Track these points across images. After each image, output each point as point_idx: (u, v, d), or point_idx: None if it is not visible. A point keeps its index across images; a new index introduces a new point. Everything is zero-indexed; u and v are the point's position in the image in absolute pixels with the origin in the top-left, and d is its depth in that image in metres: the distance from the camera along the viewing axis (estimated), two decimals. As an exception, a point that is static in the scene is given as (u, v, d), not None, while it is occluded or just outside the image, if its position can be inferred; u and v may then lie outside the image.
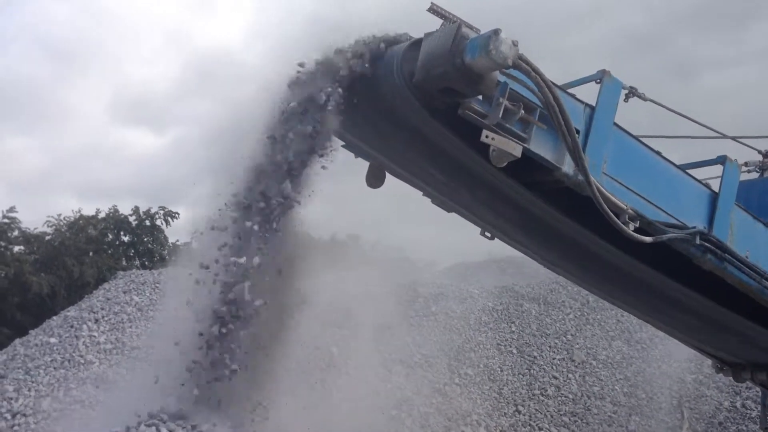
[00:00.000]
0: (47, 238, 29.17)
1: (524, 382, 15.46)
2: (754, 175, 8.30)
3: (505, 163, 4.50)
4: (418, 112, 4.51)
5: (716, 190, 5.66)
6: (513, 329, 17.44)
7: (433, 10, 4.54)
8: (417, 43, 4.43)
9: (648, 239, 4.99)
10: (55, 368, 13.80)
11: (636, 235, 4.89)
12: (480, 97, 4.40)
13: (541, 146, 4.65)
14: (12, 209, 27.57)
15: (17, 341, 15.50)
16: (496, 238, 6.31)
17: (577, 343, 17.15)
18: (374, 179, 5.60)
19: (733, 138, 6.42)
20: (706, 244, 5.35)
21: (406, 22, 4.86)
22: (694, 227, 5.32)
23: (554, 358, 16.42)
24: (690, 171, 5.85)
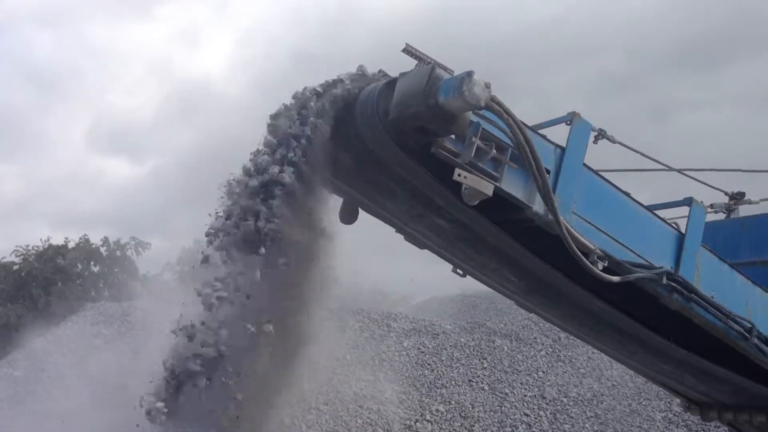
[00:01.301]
0: (15, 267, 28.68)
1: (495, 419, 15.42)
2: (721, 216, 8.49)
3: (477, 202, 4.56)
4: (392, 149, 4.57)
5: (683, 231, 5.78)
6: (485, 365, 17.44)
7: (408, 51, 4.63)
8: (392, 83, 4.51)
9: (615, 279, 5.06)
10: (18, 402, 13.49)
11: (603, 274, 4.96)
12: (453, 136, 4.48)
13: (513, 185, 4.72)
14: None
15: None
16: (467, 275, 6.35)
17: (549, 380, 17.19)
18: (347, 216, 5.62)
19: (694, 178, 6.59)
20: (673, 284, 5.43)
21: (382, 60, 4.94)
22: (661, 267, 5.41)
23: (525, 395, 16.42)
24: (657, 211, 5.99)
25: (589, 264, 4.88)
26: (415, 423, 14.55)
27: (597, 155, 5.88)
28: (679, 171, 6.51)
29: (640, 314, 5.96)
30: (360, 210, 5.73)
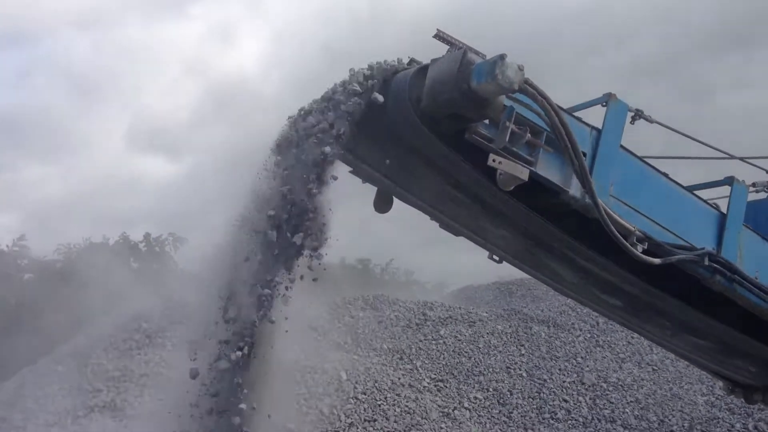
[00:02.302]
0: (57, 265, 29.27)
1: (534, 406, 15.34)
2: (763, 195, 8.30)
3: (512, 187, 4.53)
4: (426, 137, 4.55)
5: (724, 211, 5.67)
6: (522, 352, 17.34)
7: (440, 36, 4.60)
8: (423, 69, 4.49)
9: (656, 261, 4.99)
10: (62, 396, 13.78)
11: (644, 256, 4.89)
12: (487, 121, 4.44)
13: (548, 169, 4.68)
14: (22, 237, 27.76)
15: (25, 369, 15.50)
16: (504, 262, 6.31)
17: (587, 366, 17.03)
18: (382, 204, 5.63)
19: (741, 158, 6.44)
20: (715, 265, 5.34)
21: (413, 51, 4.91)
22: (703, 248, 5.32)
23: (564, 381, 16.30)
24: (697, 192, 5.88)
25: (629, 246, 4.82)
26: (453, 411, 14.53)
27: (635, 137, 5.80)
28: (722, 153, 6.34)
29: (683, 297, 5.88)
30: (394, 199, 5.73)
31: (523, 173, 4.45)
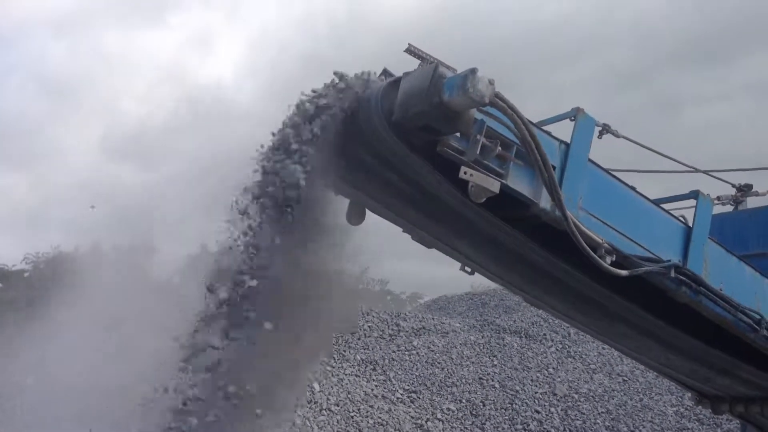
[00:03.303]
0: (25, 275, 28.81)
1: (506, 417, 15.41)
2: (729, 208, 8.48)
3: (483, 199, 4.57)
4: (397, 149, 4.59)
5: (690, 224, 5.78)
6: (495, 363, 17.44)
7: (411, 51, 4.65)
8: (396, 82, 4.53)
9: (624, 272, 5.06)
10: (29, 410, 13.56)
11: (612, 268, 4.97)
12: (458, 134, 4.49)
13: (519, 182, 4.73)
14: (-10, 247, 27.25)
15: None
16: (476, 273, 6.36)
17: (559, 377, 17.17)
18: (355, 217, 5.63)
19: (705, 171, 6.59)
20: (681, 277, 5.43)
21: (393, 62, 4.93)
22: (669, 261, 5.41)
23: (536, 392, 16.42)
24: (664, 205, 5.99)
25: (597, 258, 4.88)
26: (426, 422, 14.56)
27: (605, 150, 5.90)
28: (686, 167, 6.49)
29: (650, 309, 5.97)
30: (367, 211, 5.75)
31: (494, 186, 4.50)
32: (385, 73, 4.83)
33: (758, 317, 5.93)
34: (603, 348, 18.23)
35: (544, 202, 4.80)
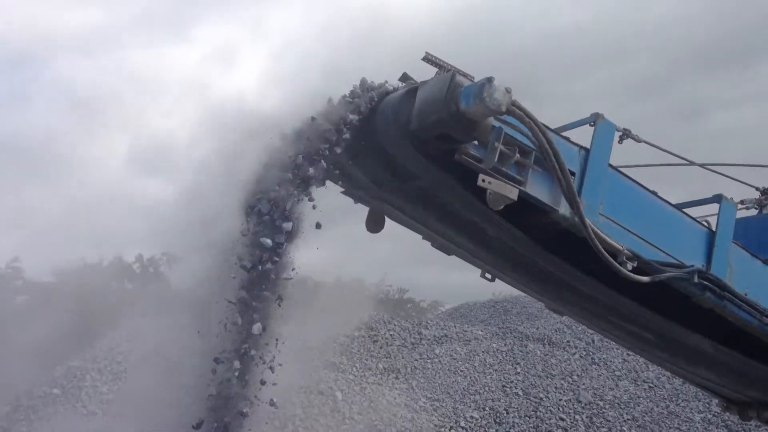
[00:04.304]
0: (51, 287, 29.16)
1: (531, 425, 15.29)
2: (753, 212, 8.36)
3: (501, 206, 4.56)
4: (415, 158, 4.60)
5: (714, 228, 5.72)
6: (518, 371, 17.32)
7: (428, 59, 4.66)
8: (413, 91, 4.54)
9: (645, 279, 5.02)
10: (58, 420, 13.69)
11: (633, 275, 4.93)
12: (476, 142, 4.49)
13: (538, 189, 4.72)
14: (15, 259, 27.65)
15: (20, 392, 15.40)
16: (497, 279, 6.34)
17: (584, 384, 17.01)
18: (373, 224, 5.66)
19: (725, 175, 6.54)
20: (705, 282, 5.37)
21: (413, 72, 4.92)
22: (692, 266, 5.35)
23: (560, 400, 16.27)
24: (687, 210, 5.93)
25: (617, 265, 4.85)
26: (449, 430, 14.49)
27: (626, 156, 5.85)
28: (702, 165, 6.45)
29: (674, 316, 5.91)
30: (386, 218, 5.77)
31: (513, 193, 4.49)
32: (405, 77, 4.84)
33: (785, 322, 5.84)
34: (628, 354, 18.03)
35: (564, 208, 4.79)
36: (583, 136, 5.18)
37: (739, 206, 6.29)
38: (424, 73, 4.75)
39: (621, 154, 5.61)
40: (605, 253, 4.77)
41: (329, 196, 5.35)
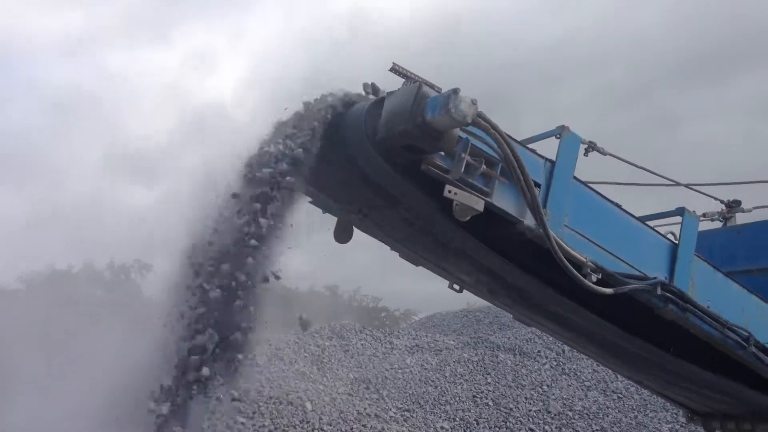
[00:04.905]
0: (20, 295, 28.68)
1: (501, 435, 15.32)
2: (719, 225, 8.49)
3: (468, 217, 4.59)
4: (381, 168, 4.61)
5: (676, 241, 5.80)
6: (489, 380, 17.36)
7: (395, 70, 4.68)
8: (380, 101, 4.56)
9: (609, 291, 5.08)
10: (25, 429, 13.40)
11: (596, 287, 4.97)
12: (442, 153, 4.51)
13: (504, 200, 4.75)
14: (-19, 265, 27.11)
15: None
16: (464, 291, 6.37)
17: (553, 394, 17.09)
18: (342, 234, 5.65)
19: (686, 185, 6.65)
20: (668, 294, 5.44)
21: (393, 80, 4.92)
22: (656, 278, 5.42)
23: (530, 410, 16.32)
24: (651, 222, 6.01)
25: (580, 277, 4.90)
26: (420, 440, 14.47)
27: (596, 168, 5.92)
28: (676, 183, 6.54)
29: (638, 327, 5.97)
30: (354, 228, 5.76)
31: (479, 204, 4.52)
32: (372, 87, 4.86)
33: (746, 334, 5.93)
34: (597, 365, 18.15)
35: (529, 220, 4.82)
36: (550, 148, 5.24)
37: (702, 219, 6.39)
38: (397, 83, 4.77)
39: (590, 166, 5.69)
40: (568, 264, 4.81)
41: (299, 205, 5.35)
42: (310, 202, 5.60)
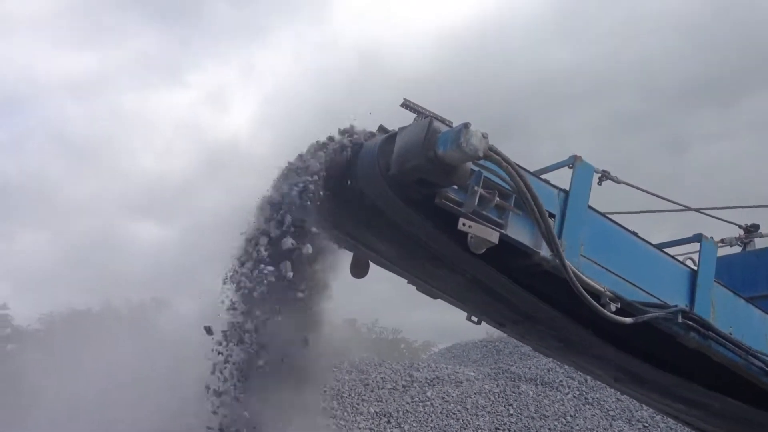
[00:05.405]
0: (40, 335, 28.85)
1: (525, 467, 15.10)
2: (738, 250, 8.39)
3: (483, 250, 4.58)
4: (395, 203, 4.62)
5: (696, 267, 5.73)
6: (511, 412, 17.15)
7: (406, 105, 4.72)
8: (392, 137, 4.59)
9: (628, 320, 5.02)
10: None
11: (616, 316, 4.92)
12: (455, 186, 4.52)
13: (519, 231, 4.73)
14: (4, 306, 27.33)
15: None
16: (482, 323, 6.33)
17: (577, 425, 16.85)
18: (358, 269, 5.66)
19: (697, 210, 6.60)
20: (689, 322, 5.37)
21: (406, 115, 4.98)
22: (676, 306, 5.36)
23: (554, 441, 16.10)
24: (669, 249, 5.95)
25: (599, 307, 4.85)
26: (443, 475, 14.29)
27: (610, 195, 5.90)
28: (686, 208, 6.50)
29: (659, 354, 5.89)
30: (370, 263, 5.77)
31: (493, 236, 4.50)
32: (382, 129, 4.91)
33: (770, 360, 5.83)
34: (622, 394, 17.90)
35: (545, 250, 4.79)
36: (564, 177, 5.23)
37: (721, 244, 6.32)
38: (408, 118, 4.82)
39: (604, 194, 5.66)
40: (586, 294, 4.77)
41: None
42: (327, 239, 5.61)
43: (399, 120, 4.91)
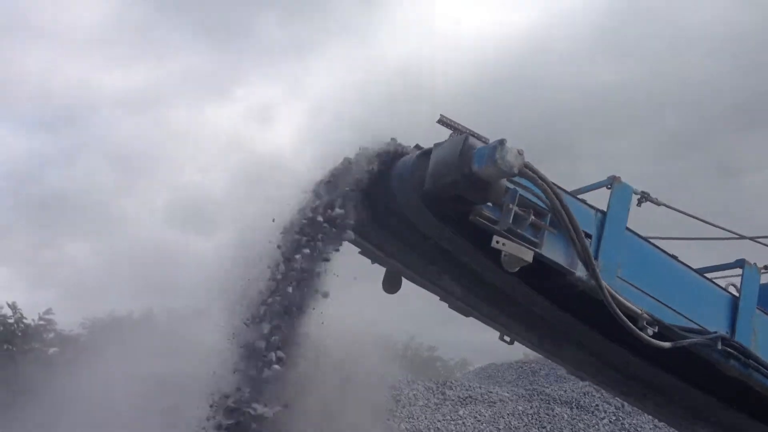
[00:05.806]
0: (81, 339, 29.39)
1: (557, 492, 14.82)
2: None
3: (517, 268, 4.52)
4: (429, 219, 4.61)
5: (737, 294, 5.59)
6: (544, 435, 16.90)
7: (442, 121, 4.71)
8: (427, 153, 4.59)
9: (666, 345, 4.90)
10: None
11: (653, 340, 4.81)
12: (490, 204, 4.49)
13: (554, 251, 4.67)
14: (48, 311, 27.90)
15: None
16: (515, 342, 6.25)
17: (613, 451, 16.51)
18: (390, 285, 5.65)
19: (751, 238, 6.41)
20: (729, 349, 5.22)
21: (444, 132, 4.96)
22: (716, 332, 5.22)
23: (589, 467, 15.79)
24: (710, 274, 5.81)
25: (636, 330, 4.75)
26: (473, 496, 14.11)
27: (652, 216, 5.78)
28: (729, 235, 6.33)
29: (696, 381, 5.75)
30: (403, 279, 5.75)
31: (528, 255, 4.45)
32: (418, 148, 4.90)
33: (814, 392, 5.63)
34: (659, 421, 17.49)
35: (581, 271, 4.72)
36: (603, 198, 5.14)
37: (764, 271, 6.13)
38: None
39: (644, 216, 5.54)
40: (623, 316, 4.68)
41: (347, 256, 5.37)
42: (359, 252, 5.62)
43: (431, 139, 4.93)
